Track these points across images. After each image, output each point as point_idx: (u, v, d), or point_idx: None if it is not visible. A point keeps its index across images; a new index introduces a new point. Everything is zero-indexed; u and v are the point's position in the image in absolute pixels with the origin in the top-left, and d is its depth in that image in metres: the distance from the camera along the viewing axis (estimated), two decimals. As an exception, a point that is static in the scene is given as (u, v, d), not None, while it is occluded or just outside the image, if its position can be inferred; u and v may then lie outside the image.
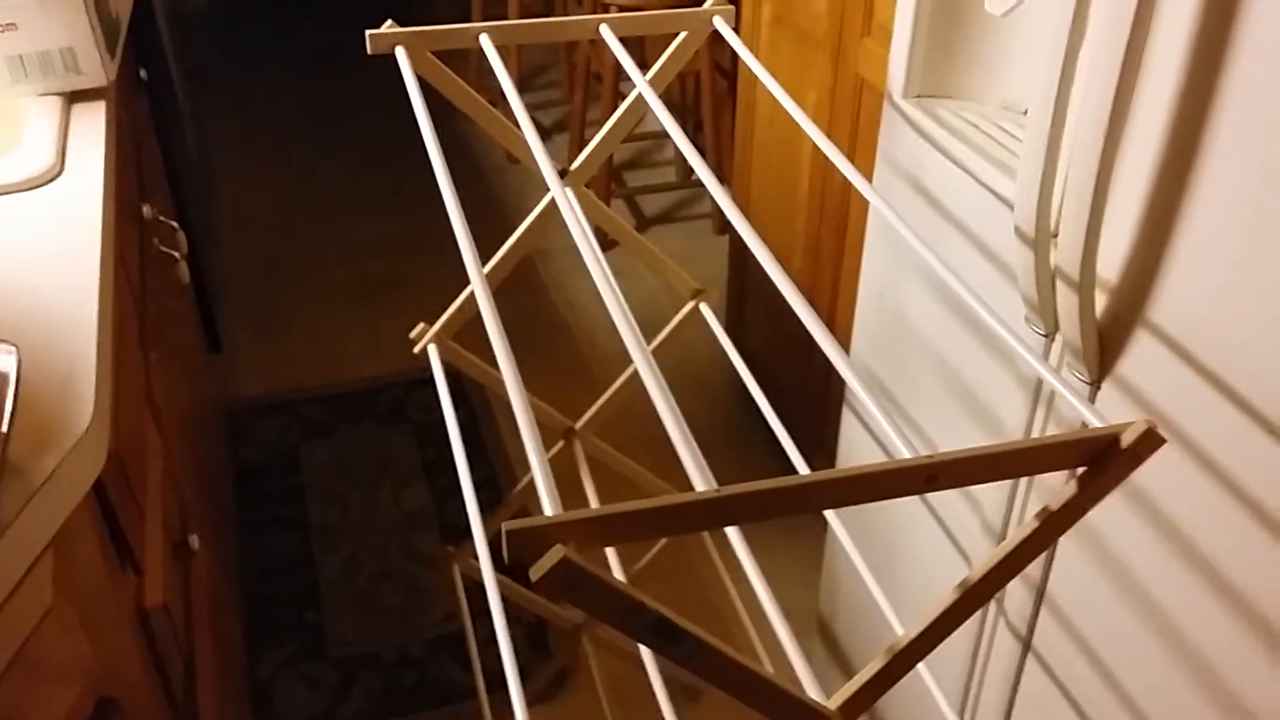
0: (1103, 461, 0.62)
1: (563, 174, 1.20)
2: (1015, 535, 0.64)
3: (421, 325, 1.28)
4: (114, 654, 0.94)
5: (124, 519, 1.00)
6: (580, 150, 1.18)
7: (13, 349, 0.82)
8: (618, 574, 1.24)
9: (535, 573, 0.53)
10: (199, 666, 1.20)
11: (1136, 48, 0.78)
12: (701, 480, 0.60)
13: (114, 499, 0.97)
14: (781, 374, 2.12)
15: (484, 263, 1.20)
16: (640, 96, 1.13)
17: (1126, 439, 0.61)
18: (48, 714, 0.84)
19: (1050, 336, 1.00)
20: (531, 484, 1.49)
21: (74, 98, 1.31)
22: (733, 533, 0.90)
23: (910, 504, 1.33)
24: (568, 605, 1.91)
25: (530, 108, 3.69)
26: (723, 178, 2.81)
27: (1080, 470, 0.62)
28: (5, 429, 0.77)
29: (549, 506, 0.57)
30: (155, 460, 1.21)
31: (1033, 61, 1.10)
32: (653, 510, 0.56)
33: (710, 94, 2.83)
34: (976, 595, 0.65)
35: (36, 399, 0.87)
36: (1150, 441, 0.61)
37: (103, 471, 0.91)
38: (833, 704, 0.67)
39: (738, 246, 2.31)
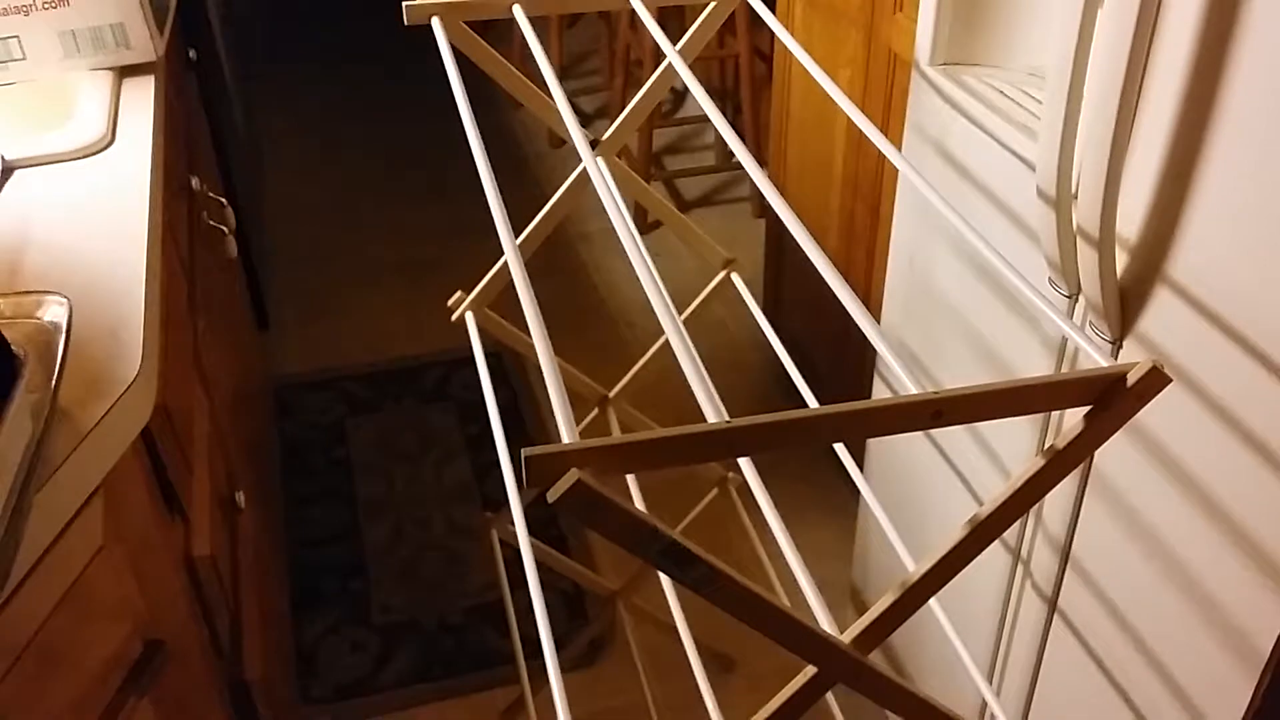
0: (1108, 400, 0.63)
1: (594, 144, 1.22)
2: (1023, 472, 0.65)
3: (459, 294, 1.31)
4: (162, 598, 0.98)
5: (172, 470, 1.04)
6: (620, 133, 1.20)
7: (65, 300, 0.86)
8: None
9: (553, 495, 0.56)
10: (244, 620, 1.25)
11: (1150, 6, 0.79)
12: (713, 412, 0.62)
13: (162, 450, 1.02)
14: (819, 358, 2.14)
15: (527, 240, 1.23)
16: (670, 67, 1.15)
17: (1132, 377, 0.62)
18: (97, 650, 0.89)
19: (1074, 297, 1.02)
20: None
21: (124, 73, 1.35)
22: (758, 488, 0.92)
23: (940, 471, 1.34)
24: (603, 572, 1.94)
25: (571, 94, 3.72)
26: (761, 161, 2.82)
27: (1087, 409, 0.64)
28: (56, 375, 0.81)
29: (566, 434, 0.59)
30: (202, 420, 1.25)
31: (1056, 27, 1.10)
32: (666, 439, 0.58)
33: (749, 78, 2.84)
34: (986, 531, 0.67)
35: (87, 350, 0.91)
36: (1156, 380, 0.62)
37: (151, 422, 0.95)
38: (846, 636, 0.69)
39: (775, 229, 2.33)
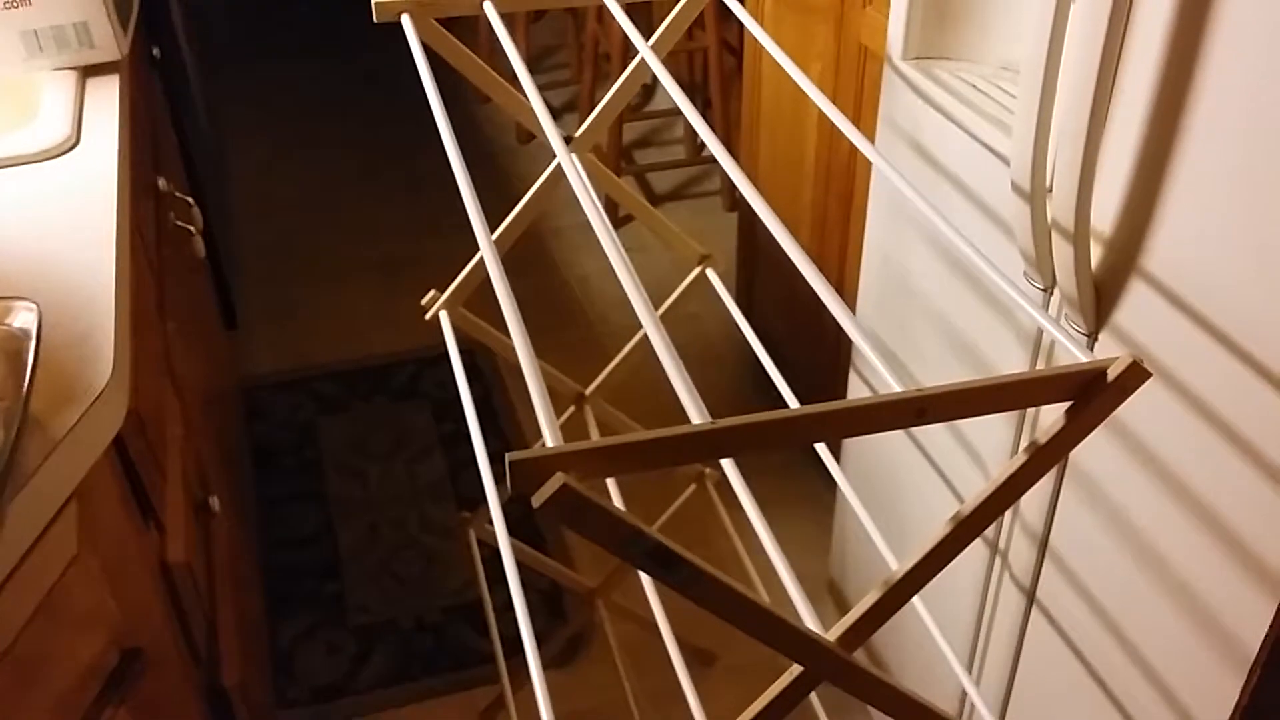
0: (1089, 395, 0.63)
1: (568, 141, 1.22)
2: (1005, 469, 0.66)
3: (433, 292, 1.30)
4: (138, 606, 0.97)
5: (145, 477, 1.03)
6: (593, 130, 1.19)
7: (34, 307, 0.85)
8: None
9: (537, 500, 0.55)
10: (220, 624, 1.23)
11: (1123, 2, 0.79)
12: (697, 413, 0.62)
13: (135, 457, 1.00)
14: (792, 350, 2.14)
15: (501, 236, 1.23)
16: (644, 62, 1.15)
17: (1113, 372, 0.62)
18: (73, 660, 0.87)
19: (1049, 290, 1.02)
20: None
21: (88, 72, 1.33)
22: (739, 485, 0.92)
23: (917, 465, 1.35)
24: (581, 570, 1.93)
25: (539, 88, 3.70)
26: (731, 155, 2.83)
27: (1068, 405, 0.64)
28: (27, 383, 0.80)
29: (550, 438, 0.59)
30: (175, 424, 1.24)
31: (1030, 19, 1.11)
32: (649, 441, 0.58)
33: (719, 71, 2.83)
34: (969, 528, 0.67)
35: (57, 357, 0.89)
36: (1136, 375, 0.62)
37: (123, 429, 0.94)
38: (832, 635, 0.69)
39: (747, 222, 2.33)
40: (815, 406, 0.60)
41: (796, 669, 0.69)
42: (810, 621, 0.74)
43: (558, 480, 0.55)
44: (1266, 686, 0.89)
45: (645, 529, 0.59)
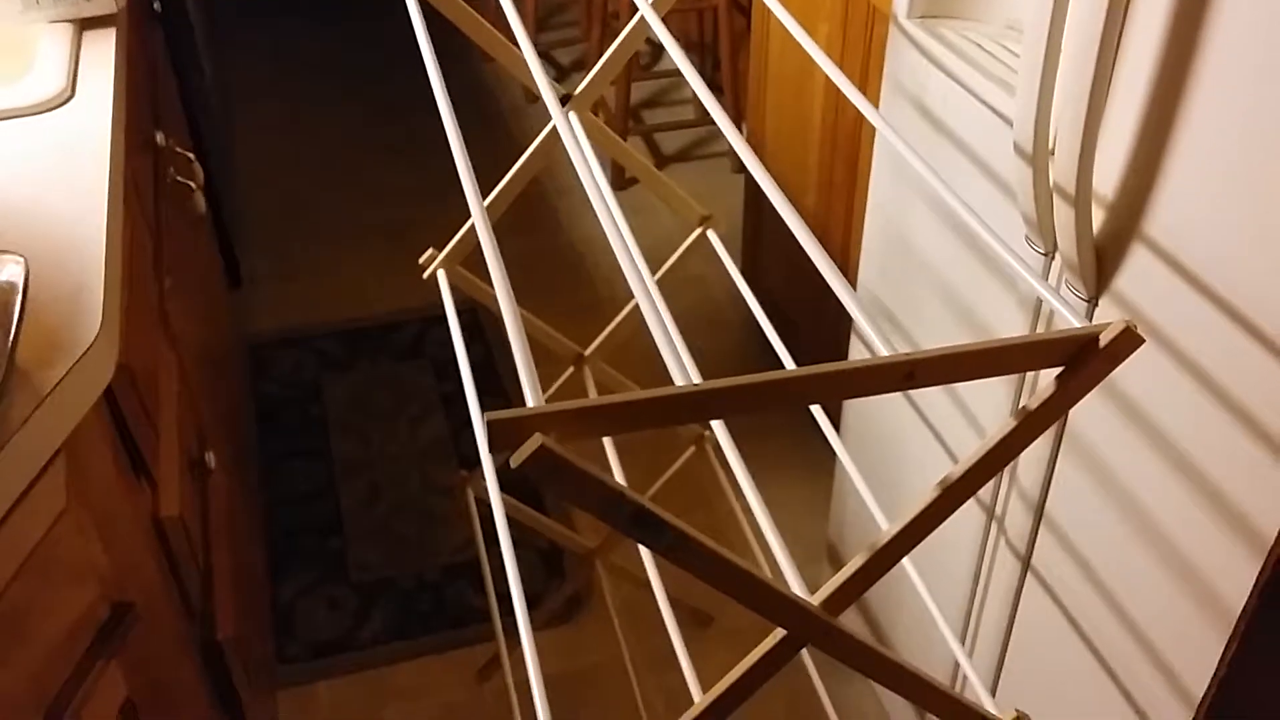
0: (1080, 361, 0.62)
1: (567, 99, 1.20)
2: (993, 434, 0.65)
3: (430, 251, 1.29)
4: (129, 560, 0.97)
5: (137, 432, 1.02)
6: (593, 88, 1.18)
7: (20, 260, 0.84)
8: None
9: (515, 460, 0.55)
10: (216, 580, 1.24)
11: (1131, -46, 0.77)
12: (681, 375, 0.61)
13: (127, 411, 1.00)
14: (798, 314, 2.13)
15: (498, 197, 1.21)
16: (643, 20, 1.13)
17: (1105, 338, 0.61)
18: (63, 613, 0.88)
19: (1050, 255, 1.01)
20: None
21: (85, 25, 1.32)
22: (729, 449, 0.91)
23: (917, 429, 1.34)
24: (580, 530, 1.94)
25: (548, 46, 3.67)
26: (739, 116, 2.80)
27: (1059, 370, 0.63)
28: (12, 337, 0.79)
29: (531, 398, 0.58)
30: (170, 379, 1.24)
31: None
32: (632, 403, 0.57)
33: (728, 31, 2.80)
34: (957, 493, 0.66)
35: (45, 311, 0.89)
36: (1128, 340, 0.61)
37: (114, 384, 0.93)
38: (816, 599, 0.69)
39: (754, 184, 2.31)
40: (801, 369, 0.59)
41: (780, 632, 0.69)
42: (796, 585, 0.73)
43: (535, 441, 0.55)
44: (1246, 655, 0.89)
45: (626, 491, 0.58)
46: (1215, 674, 0.90)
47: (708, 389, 0.57)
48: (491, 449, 0.55)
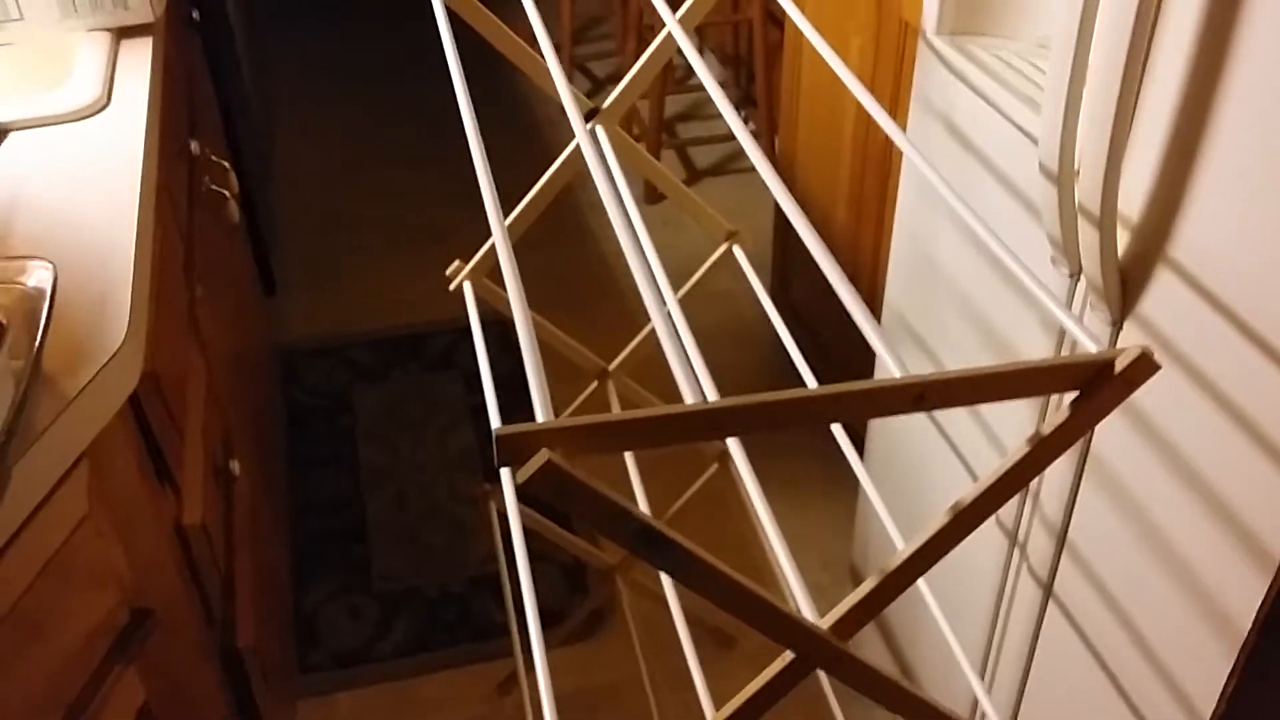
0: (1095, 386, 0.61)
1: (595, 113, 1.21)
2: (1008, 459, 0.64)
3: (457, 263, 1.30)
4: (150, 566, 0.98)
5: (162, 438, 1.03)
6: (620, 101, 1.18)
7: (49, 266, 0.85)
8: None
9: (521, 475, 0.55)
10: (238, 588, 1.25)
11: (1158, -25, 0.76)
12: (690, 393, 0.61)
13: (152, 418, 1.01)
14: (827, 331, 2.12)
15: (525, 210, 1.22)
16: (671, 35, 1.13)
17: (1120, 364, 0.60)
18: (82, 618, 0.88)
19: (1075, 277, 1.00)
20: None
21: (122, 34, 1.34)
22: (744, 468, 0.91)
23: (941, 451, 1.33)
24: (603, 546, 1.93)
25: (584, 59, 3.69)
26: (774, 130, 2.79)
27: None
28: (39, 341, 0.80)
29: (540, 413, 0.58)
30: (197, 387, 1.25)
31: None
32: (640, 420, 0.57)
33: (763, 44, 2.80)
34: (969, 517, 0.66)
35: (73, 316, 0.90)
36: (1144, 367, 0.60)
37: (140, 390, 0.94)
38: (825, 622, 0.68)
39: (785, 197, 2.30)
40: (809, 389, 0.59)
41: (788, 655, 0.68)
42: (806, 607, 0.73)
43: (542, 456, 0.55)
44: (1250, 684, 0.87)
45: (632, 509, 0.58)
46: (1223, 693, 0.88)
47: (715, 407, 0.57)
48: (498, 463, 0.55)
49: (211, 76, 2.06)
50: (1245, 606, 0.86)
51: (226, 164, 1.73)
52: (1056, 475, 1.08)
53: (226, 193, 1.68)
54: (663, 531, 0.59)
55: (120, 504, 0.93)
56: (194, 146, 1.53)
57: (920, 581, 1.01)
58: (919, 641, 1.48)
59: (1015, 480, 0.65)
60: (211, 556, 1.13)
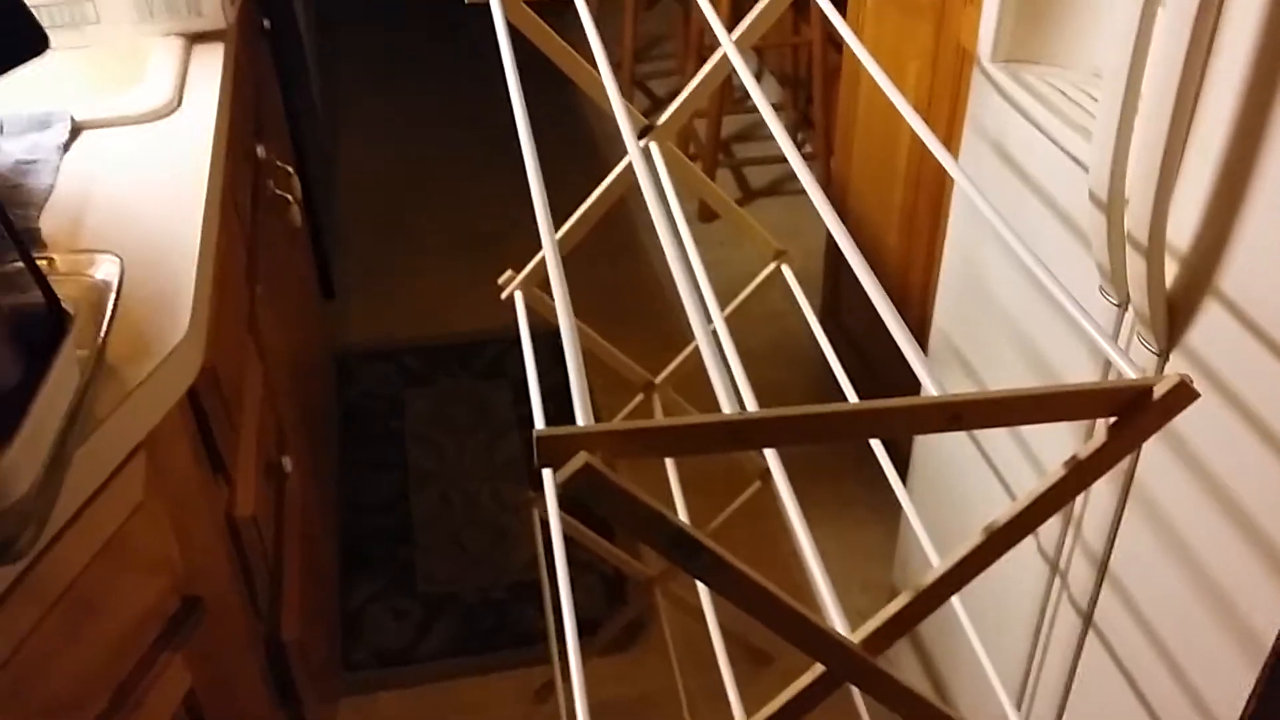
0: (1133, 412, 0.62)
1: (649, 130, 1.22)
2: (1043, 481, 0.64)
3: (509, 272, 1.32)
4: (201, 555, 1.01)
5: (218, 431, 1.06)
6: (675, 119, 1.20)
7: (117, 259, 0.89)
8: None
9: (560, 477, 0.56)
10: (285, 582, 1.27)
11: (1209, 11, 0.77)
12: (728, 403, 0.62)
13: (209, 412, 1.04)
14: (876, 352, 2.12)
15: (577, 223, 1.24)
16: (726, 55, 1.14)
17: (1159, 390, 0.61)
18: (134, 603, 0.91)
19: (1123, 306, 0.99)
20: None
21: (195, 39, 1.38)
22: (782, 482, 0.92)
23: (983, 473, 1.33)
24: (643, 557, 1.94)
25: (645, 77, 3.72)
26: (830, 152, 2.80)
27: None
28: (104, 332, 0.83)
29: (581, 417, 0.60)
30: (254, 384, 1.28)
31: (1114, 26, 1.08)
32: (676, 427, 0.58)
33: (821, 67, 2.81)
34: (1003, 539, 0.66)
35: (137, 309, 0.93)
36: (1183, 395, 0.60)
37: (198, 384, 0.97)
38: (856, 636, 0.69)
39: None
40: (843, 405, 0.59)
41: (819, 668, 0.69)
42: (838, 621, 0.73)
43: (581, 458, 0.56)
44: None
45: (668, 514, 0.59)
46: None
47: (748, 418, 0.58)
48: (537, 464, 0.57)
49: (279, 83, 2.11)
50: (1285, 643, 0.86)
51: (291, 169, 1.78)
52: (1100, 504, 1.08)
53: (290, 197, 1.72)
54: (695, 536, 0.60)
55: (175, 493, 0.96)
56: (260, 151, 1.57)
57: (958, 605, 1.01)
58: (958, 668, 1.47)
59: (1051, 503, 0.65)
60: (261, 549, 1.16)
